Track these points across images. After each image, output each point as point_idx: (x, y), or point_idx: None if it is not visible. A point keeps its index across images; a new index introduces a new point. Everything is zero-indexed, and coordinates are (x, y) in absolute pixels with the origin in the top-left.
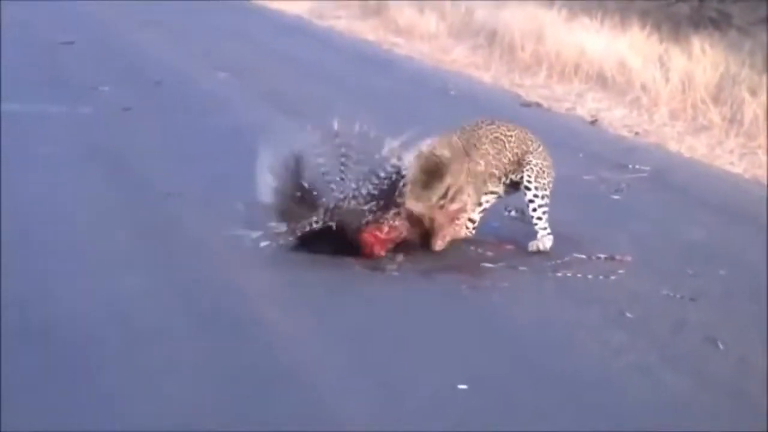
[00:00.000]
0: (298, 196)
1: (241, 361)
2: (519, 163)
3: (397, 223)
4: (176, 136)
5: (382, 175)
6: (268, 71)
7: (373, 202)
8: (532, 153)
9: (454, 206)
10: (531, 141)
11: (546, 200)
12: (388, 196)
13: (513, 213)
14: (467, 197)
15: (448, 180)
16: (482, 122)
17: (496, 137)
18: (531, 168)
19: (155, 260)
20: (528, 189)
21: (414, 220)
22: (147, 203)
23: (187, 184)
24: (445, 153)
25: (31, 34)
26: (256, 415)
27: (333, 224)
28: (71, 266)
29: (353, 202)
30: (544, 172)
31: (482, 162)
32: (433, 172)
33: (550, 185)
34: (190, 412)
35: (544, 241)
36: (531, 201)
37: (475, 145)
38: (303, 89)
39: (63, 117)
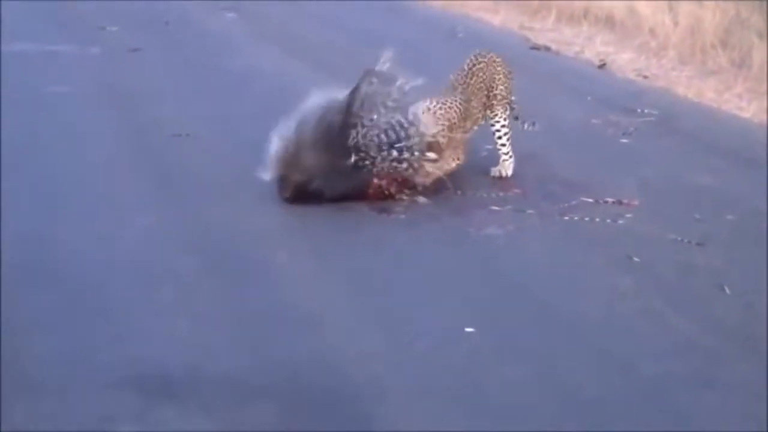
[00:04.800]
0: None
1: (248, 303)
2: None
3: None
4: (185, 77)
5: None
6: (274, 14)
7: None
8: (497, 79)
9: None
10: (501, 66)
11: (509, 125)
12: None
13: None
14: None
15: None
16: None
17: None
18: (496, 96)
19: (164, 201)
20: (495, 117)
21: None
22: (155, 144)
23: (195, 125)
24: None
25: None
26: (264, 357)
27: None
28: (79, 206)
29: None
30: (506, 98)
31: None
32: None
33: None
34: (199, 352)
35: (506, 166)
36: (497, 130)
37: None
38: (310, 33)
39: (73, 56)
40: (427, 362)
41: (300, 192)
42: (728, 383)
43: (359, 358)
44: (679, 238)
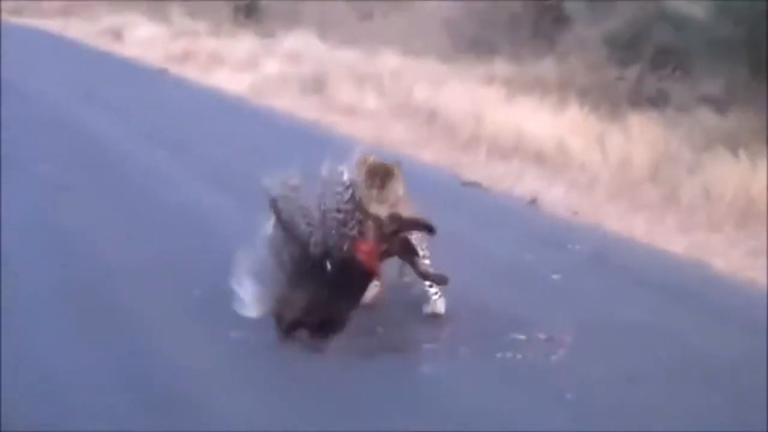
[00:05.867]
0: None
1: None
2: None
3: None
4: (119, 214)
5: (339, 196)
6: (208, 150)
7: (346, 223)
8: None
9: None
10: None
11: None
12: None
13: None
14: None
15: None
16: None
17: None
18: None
19: (98, 338)
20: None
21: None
22: (90, 281)
23: (132, 261)
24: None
25: None
26: None
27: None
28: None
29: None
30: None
31: None
32: (380, 171)
33: None
34: None
35: (438, 304)
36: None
37: None
38: (242, 167)
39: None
40: None
41: (295, 326)
42: None
43: None
44: (612, 375)
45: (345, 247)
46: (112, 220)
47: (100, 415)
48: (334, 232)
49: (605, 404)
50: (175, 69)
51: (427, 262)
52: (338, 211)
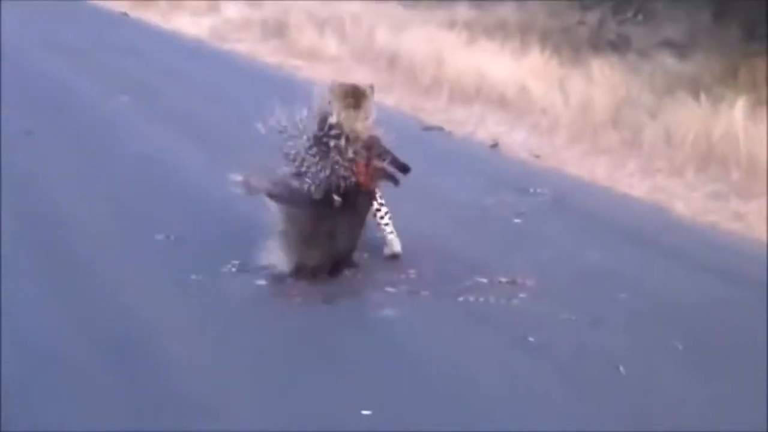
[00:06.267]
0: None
1: (146, 392)
2: None
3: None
4: (78, 162)
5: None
6: (169, 94)
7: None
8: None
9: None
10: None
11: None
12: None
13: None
14: None
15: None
16: None
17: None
18: None
19: (58, 284)
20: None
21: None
22: (51, 225)
23: (93, 207)
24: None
25: None
26: None
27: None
28: None
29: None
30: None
31: None
32: (355, 92)
33: None
34: None
35: (395, 244)
36: (378, 209)
37: None
38: (203, 112)
39: None
40: None
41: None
42: None
43: None
44: (574, 318)
45: (343, 175)
46: (72, 164)
47: (59, 360)
48: (327, 165)
49: (567, 347)
50: (136, 13)
51: (383, 212)
52: (324, 144)
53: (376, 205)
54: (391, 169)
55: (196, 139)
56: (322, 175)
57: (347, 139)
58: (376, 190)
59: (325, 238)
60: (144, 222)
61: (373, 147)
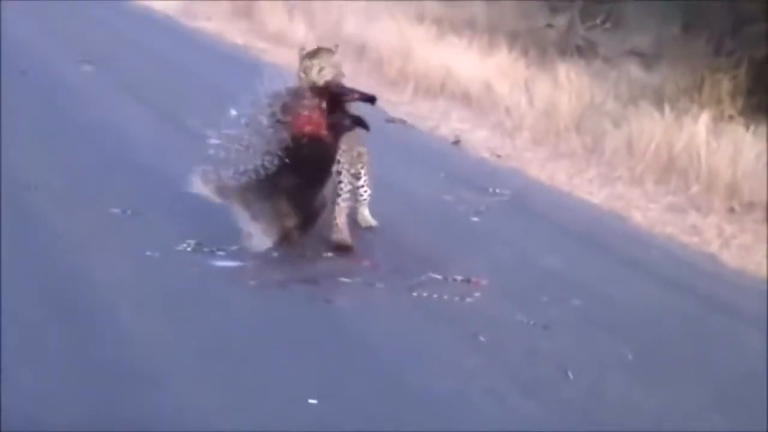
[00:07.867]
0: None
1: (94, 358)
2: None
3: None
4: (41, 128)
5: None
6: (132, 67)
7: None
8: None
9: None
10: None
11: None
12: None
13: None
14: None
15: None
16: None
17: None
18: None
19: (15, 249)
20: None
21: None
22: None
23: (51, 177)
24: None
25: None
26: (104, 413)
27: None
28: None
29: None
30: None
31: None
32: (320, 49)
33: None
34: (40, 405)
35: (368, 216)
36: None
37: None
38: (167, 86)
39: None
40: (266, 429)
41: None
42: None
43: (201, 421)
44: (526, 320)
45: (292, 133)
46: (30, 129)
47: (13, 326)
48: (275, 131)
49: (517, 349)
50: None
51: (363, 180)
52: (272, 113)
53: (361, 181)
54: (356, 117)
55: (159, 111)
56: (258, 160)
57: (310, 90)
58: (340, 143)
59: (292, 195)
60: (101, 194)
61: (336, 94)
